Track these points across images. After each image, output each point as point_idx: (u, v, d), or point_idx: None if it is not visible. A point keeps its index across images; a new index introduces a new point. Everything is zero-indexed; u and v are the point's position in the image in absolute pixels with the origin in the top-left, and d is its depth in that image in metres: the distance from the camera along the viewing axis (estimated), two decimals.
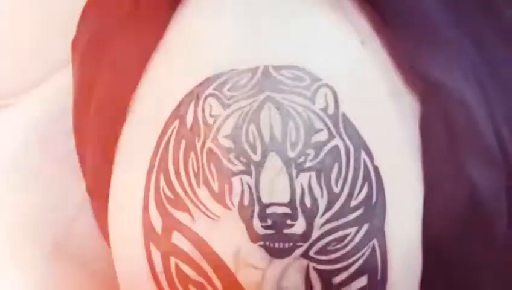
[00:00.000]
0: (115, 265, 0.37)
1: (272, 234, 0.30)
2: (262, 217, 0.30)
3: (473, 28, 0.37)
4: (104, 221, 0.37)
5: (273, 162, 0.30)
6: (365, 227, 0.31)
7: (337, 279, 0.31)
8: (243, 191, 0.30)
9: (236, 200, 0.30)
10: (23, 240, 0.48)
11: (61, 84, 0.46)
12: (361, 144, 0.31)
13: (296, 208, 0.30)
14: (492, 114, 0.34)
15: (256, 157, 0.30)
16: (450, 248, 0.34)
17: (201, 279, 0.31)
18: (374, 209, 0.31)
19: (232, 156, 0.30)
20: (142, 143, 0.33)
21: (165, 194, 0.32)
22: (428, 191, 0.33)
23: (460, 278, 0.35)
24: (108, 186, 0.36)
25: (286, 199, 0.30)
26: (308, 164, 0.30)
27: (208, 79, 0.31)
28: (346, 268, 0.31)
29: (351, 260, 0.31)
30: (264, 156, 0.30)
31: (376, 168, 0.31)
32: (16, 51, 0.48)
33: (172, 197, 0.32)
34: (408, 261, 0.33)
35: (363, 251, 0.31)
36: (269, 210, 0.30)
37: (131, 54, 0.35)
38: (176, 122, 0.32)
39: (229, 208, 0.30)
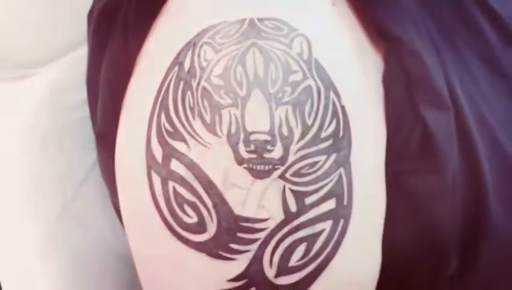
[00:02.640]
0: (120, 202, 0.42)
1: (255, 157, 0.36)
2: (247, 142, 0.35)
3: (433, 5, 0.43)
4: (110, 168, 0.43)
5: (257, 97, 0.36)
6: (333, 156, 0.37)
7: (309, 200, 0.36)
8: (230, 121, 0.36)
9: (225, 129, 0.36)
10: (36, 198, 0.53)
11: (78, 59, 0.52)
12: (330, 86, 0.37)
13: (275, 136, 0.36)
14: (443, 65, 0.40)
15: (242, 93, 0.36)
16: (409, 180, 0.39)
17: (194, 199, 0.37)
18: (341, 142, 0.37)
19: (222, 92, 0.36)
20: (146, 89, 0.39)
21: (165, 128, 0.37)
22: (389, 132, 0.39)
23: (419, 213, 0.40)
24: (116, 131, 0.41)
25: (267, 127, 0.35)
26: (285, 99, 0.36)
27: (203, 30, 0.37)
28: (317, 191, 0.37)
29: (321, 184, 0.37)
30: (249, 91, 0.36)
31: (343, 108, 0.37)
32: (38, 26, 0.53)
33: (171, 130, 0.37)
34: (372, 192, 0.39)
35: (332, 177, 0.37)
36: (252, 137, 0.35)
37: (139, 18, 0.41)
38: (176, 68, 0.37)
39: (218, 136, 0.36)
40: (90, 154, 0.54)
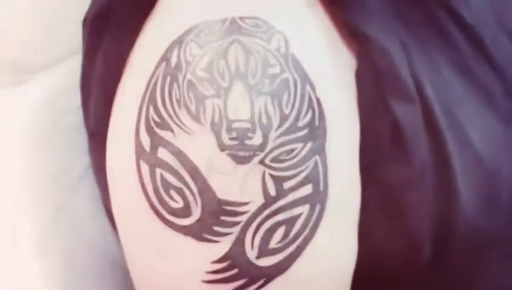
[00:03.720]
0: (110, 195, 0.44)
1: (236, 144, 0.38)
2: (229, 130, 0.38)
3: (403, 12, 0.46)
4: (102, 165, 0.45)
5: (238, 88, 0.38)
6: (309, 144, 0.39)
7: (288, 184, 0.39)
8: (214, 111, 0.38)
9: (208, 118, 0.38)
10: (31, 199, 0.55)
11: (74, 66, 0.55)
12: (306, 79, 0.39)
13: (255, 124, 0.38)
14: (410, 64, 0.43)
15: (225, 84, 0.38)
16: (381, 170, 0.42)
17: (180, 184, 0.39)
18: (316, 132, 0.40)
19: (206, 84, 0.39)
20: (136, 85, 0.41)
21: (153, 119, 0.40)
22: (362, 124, 0.42)
23: (391, 201, 0.43)
24: (107, 126, 0.44)
25: (247, 116, 0.38)
26: (264, 90, 0.38)
27: (189, 29, 0.40)
28: (294, 176, 0.39)
29: (298, 170, 0.39)
30: (231, 83, 0.38)
31: (318, 100, 0.40)
32: (38, 32, 0.56)
33: (159, 120, 0.40)
34: (347, 180, 0.41)
35: (308, 163, 0.39)
36: (234, 125, 0.38)
37: (130, 20, 0.44)
38: (163, 64, 0.40)
39: (202, 124, 0.38)
40: (83, 159, 0.56)
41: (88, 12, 0.48)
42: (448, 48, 0.47)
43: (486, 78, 0.48)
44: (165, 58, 0.40)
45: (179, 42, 0.40)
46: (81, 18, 0.49)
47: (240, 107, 0.38)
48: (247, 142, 0.38)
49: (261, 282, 0.39)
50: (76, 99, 0.53)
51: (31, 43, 0.55)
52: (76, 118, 0.55)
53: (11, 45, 0.55)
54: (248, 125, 0.38)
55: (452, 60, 0.47)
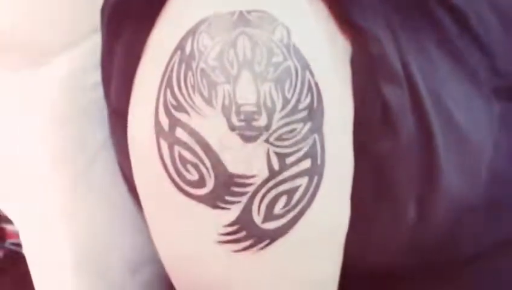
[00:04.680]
0: (132, 167, 0.50)
1: (244, 125, 0.43)
2: (237, 113, 0.43)
3: (395, 3, 0.51)
4: (122, 136, 0.50)
5: (245, 75, 0.43)
6: (308, 124, 0.44)
7: (289, 159, 0.44)
8: (224, 96, 0.43)
9: (219, 102, 0.43)
10: (52, 170, 0.60)
11: (91, 47, 0.60)
12: (306, 66, 0.44)
13: (260, 107, 0.43)
14: (399, 50, 0.47)
15: (234, 72, 0.43)
16: (372, 146, 0.47)
17: (196, 160, 0.44)
18: (315, 113, 0.45)
19: (217, 71, 0.43)
20: (154, 70, 0.46)
21: (170, 102, 0.45)
22: (356, 105, 0.47)
23: (380, 171, 0.48)
24: (128, 106, 0.49)
25: (254, 100, 0.43)
26: (269, 77, 0.43)
27: (201, 20, 0.44)
28: (295, 152, 0.44)
29: (299, 147, 0.44)
30: (239, 71, 0.43)
31: (317, 84, 0.45)
32: (60, 12, 0.60)
33: (175, 103, 0.45)
34: (341, 155, 0.46)
35: (307, 141, 0.44)
36: (242, 108, 0.43)
37: (146, 13, 0.48)
38: (179, 52, 0.45)
39: (214, 108, 0.43)
40: (101, 132, 0.61)
41: (105, 3, 0.52)
42: (435, 30, 0.51)
43: (473, 57, 0.52)
44: (180, 46, 0.45)
45: (192, 32, 0.45)
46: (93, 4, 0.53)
47: (247, 93, 0.43)
48: (254, 123, 0.43)
49: (266, 242, 0.45)
50: (93, 76, 0.58)
51: (51, 24, 0.59)
52: (94, 94, 0.60)
53: (32, 26, 0.58)
54: (254, 109, 0.43)
55: (439, 41, 0.51)
